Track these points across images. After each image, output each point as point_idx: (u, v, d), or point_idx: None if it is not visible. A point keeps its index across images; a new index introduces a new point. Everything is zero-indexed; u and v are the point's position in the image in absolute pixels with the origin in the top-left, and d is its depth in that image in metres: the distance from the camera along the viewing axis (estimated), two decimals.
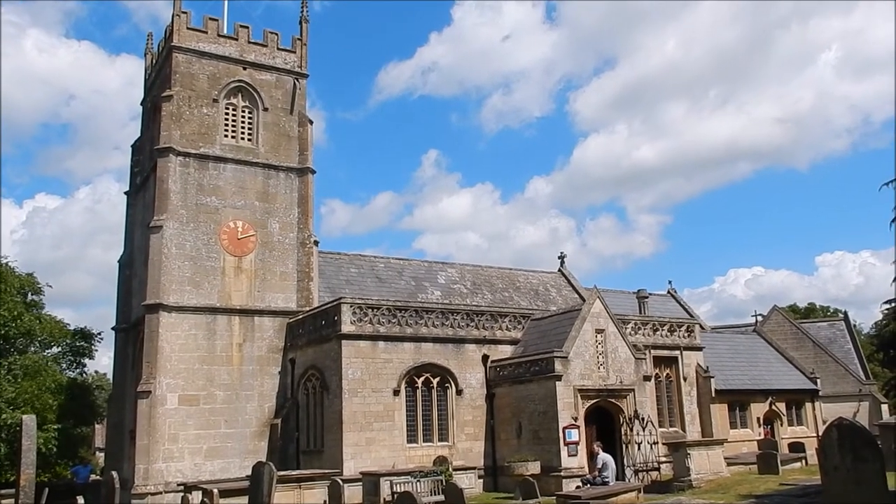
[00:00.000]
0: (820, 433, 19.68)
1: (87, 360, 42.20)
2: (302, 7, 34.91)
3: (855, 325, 55.51)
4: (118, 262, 34.59)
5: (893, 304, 43.40)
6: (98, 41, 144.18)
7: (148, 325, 28.42)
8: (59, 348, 40.79)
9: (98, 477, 35.06)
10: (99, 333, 41.31)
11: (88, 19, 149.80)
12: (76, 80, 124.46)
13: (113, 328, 34.13)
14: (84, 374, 44.32)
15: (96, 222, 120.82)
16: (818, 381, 41.27)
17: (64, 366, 41.24)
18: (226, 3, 34.15)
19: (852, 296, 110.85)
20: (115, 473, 28.75)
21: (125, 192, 35.59)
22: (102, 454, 42.05)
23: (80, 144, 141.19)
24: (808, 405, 40.37)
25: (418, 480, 23.54)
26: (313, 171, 33.00)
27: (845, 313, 54.42)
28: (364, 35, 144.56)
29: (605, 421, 28.48)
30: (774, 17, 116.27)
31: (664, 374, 33.78)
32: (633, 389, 28.78)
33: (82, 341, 40.57)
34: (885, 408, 43.23)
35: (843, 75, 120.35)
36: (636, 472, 27.42)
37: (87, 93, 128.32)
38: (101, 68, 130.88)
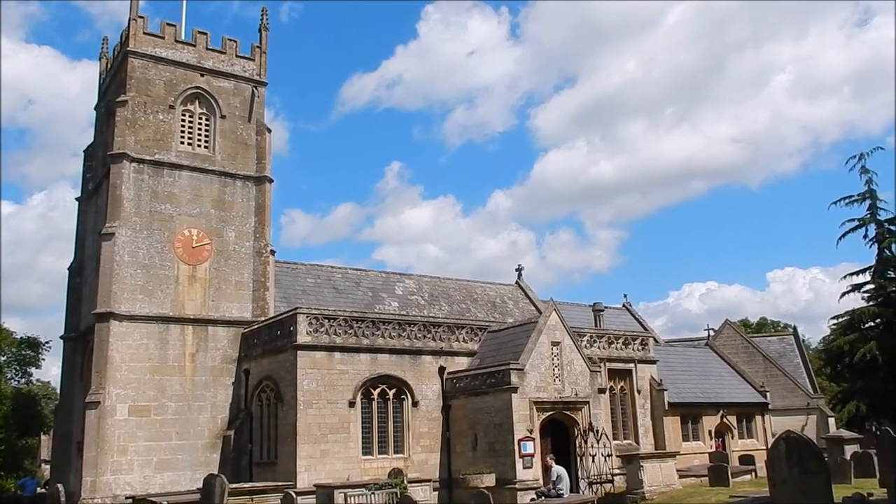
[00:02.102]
0: (769, 446, 19.99)
1: (33, 370, 41.38)
2: (262, 15, 34.66)
3: (804, 340, 56.68)
4: (68, 269, 33.82)
5: (841, 320, 44.52)
6: (59, 46, 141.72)
7: (98, 334, 27.80)
8: (5, 357, 39.88)
9: (43, 490, 34.24)
10: (47, 342, 40.50)
11: (49, 24, 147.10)
12: (35, 85, 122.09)
13: (62, 337, 33.34)
14: (30, 384, 43.39)
15: (50, 229, 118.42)
16: (768, 394, 42.00)
17: (9, 375, 40.32)
18: (184, 8, 33.58)
19: (802, 311, 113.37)
20: (60, 486, 28.19)
21: (76, 199, 34.89)
22: (48, 466, 41.04)
23: (38, 150, 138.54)
24: (758, 418, 41.06)
25: (373, 493, 23.39)
26: (271, 180, 32.71)
27: (794, 328, 55.58)
28: (330, 46, 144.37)
29: (560, 433, 28.60)
30: (730, 41, 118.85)
31: (619, 387, 34.07)
32: (588, 402, 28.95)
33: (29, 350, 39.72)
34: (832, 421, 44.12)
35: (795, 98, 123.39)
36: (590, 484, 27.55)
37: (47, 97, 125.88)
38: (62, 73, 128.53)
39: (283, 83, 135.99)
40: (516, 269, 45.07)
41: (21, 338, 41.16)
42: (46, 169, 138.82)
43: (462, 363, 30.32)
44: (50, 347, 40.59)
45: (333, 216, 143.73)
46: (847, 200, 43.70)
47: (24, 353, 40.53)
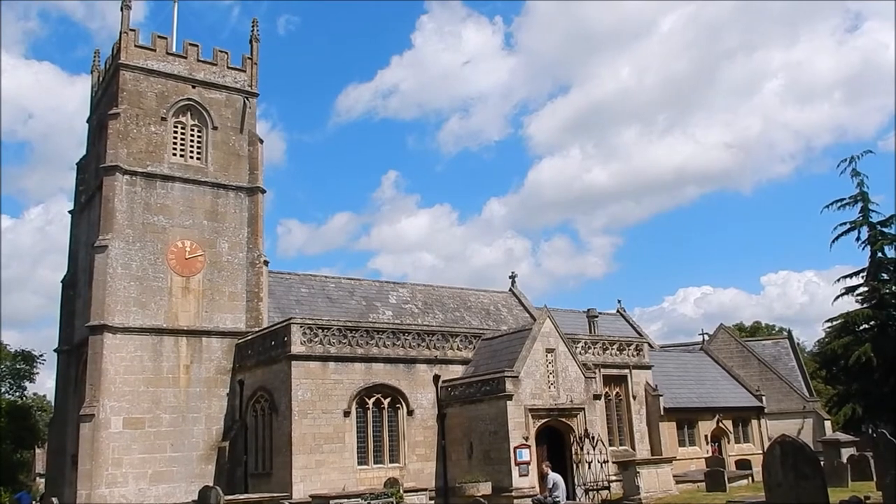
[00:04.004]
0: (765, 450, 20.01)
1: (28, 383, 41.28)
2: (252, 27, 34.75)
3: (798, 343, 56.77)
4: (62, 282, 33.78)
5: (835, 323, 44.60)
6: (58, 62, 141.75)
7: (92, 347, 27.74)
8: None
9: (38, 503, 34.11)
10: (41, 355, 40.40)
11: (48, 40, 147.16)
12: (35, 100, 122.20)
13: (55, 350, 33.23)
14: (24, 397, 43.27)
15: (47, 242, 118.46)
16: (764, 398, 42.00)
17: (3, 389, 40.21)
18: (175, 20, 33.75)
19: (797, 314, 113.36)
20: (55, 500, 28.06)
21: (69, 211, 34.88)
22: (43, 480, 40.87)
23: (36, 164, 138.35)
24: (755, 422, 41.06)
25: (369, 503, 23.31)
26: (263, 191, 32.70)
27: (789, 332, 55.63)
28: (326, 57, 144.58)
29: (556, 440, 28.57)
30: (722, 48, 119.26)
31: (614, 393, 34.02)
32: (584, 408, 28.93)
33: (23, 363, 39.61)
34: (828, 424, 44.12)
35: (787, 103, 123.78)
36: (586, 491, 27.53)
37: (46, 112, 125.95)
38: (61, 88, 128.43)
39: (281, 94, 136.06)
40: (510, 277, 45.11)
41: (15, 351, 41.08)
42: (44, 182, 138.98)
43: (457, 371, 30.29)
44: (44, 360, 40.53)
45: (329, 226, 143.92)
46: (839, 204, 43.91)
47: (18, 366, 40.42)
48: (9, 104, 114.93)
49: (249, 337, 29.80)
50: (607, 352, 34.24)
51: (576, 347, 31.34)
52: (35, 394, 57.07)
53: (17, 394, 41.59)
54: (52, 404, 36.37)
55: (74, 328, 32.03)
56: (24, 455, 44.25)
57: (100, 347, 27.65)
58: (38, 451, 50.01)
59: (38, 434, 41.84)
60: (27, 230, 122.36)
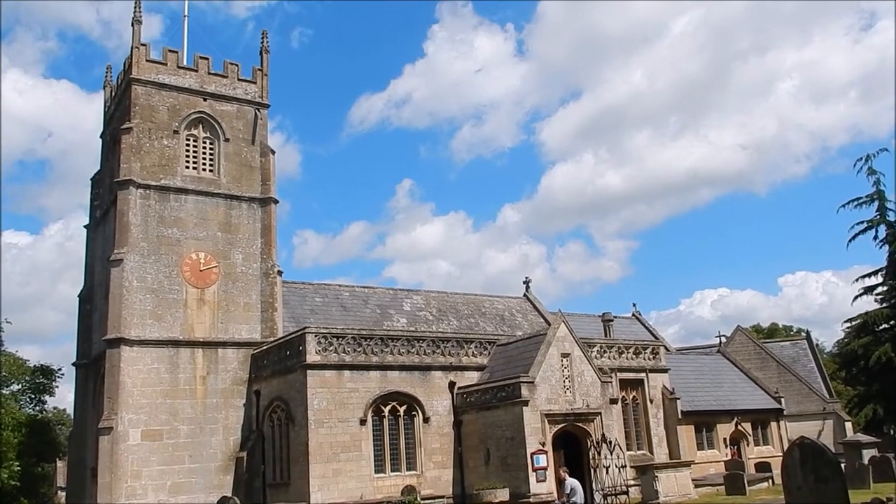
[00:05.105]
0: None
1: (47, 397, 41.54)
2: (262, 38, 34.97)
3: (817, 344, 56.24)
4: (78, 296, 34.05)
5: (854, 323, 44.15)
6: (76, 80, 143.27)
7: (109, 360, 27.91)
8: (19, 385, 40.05)
9: None
10: (59, 369, 40.67)
11: (66, 59, 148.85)
12: (54, 118, 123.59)
13: (73, 364, 33.49)
14: (44, 411, 43.54)
15: (66, 258, 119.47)
16: (782, 400, 41.63)
17: (23, 403, 40.45)
18: (185, 33, 34.05)
19: (816, 315, 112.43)
20: None
21: (84, 226, 35.21)
22: (64, 493, 41.10)
23: (55, 181, 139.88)
24: (774, 425, 40.70)
25: None
26: (276, 201, 32.84)
27: (807, 332, 55.20)
28: (340, 68, 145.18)
29: (573, 445, 28.45)
30: (735, 50, 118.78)
31: (630, 397, 33.86)
32: (600, 413, 28.80)
33: (42, 378, 39.87)
34: (848, 425, 43.69)
35: (801, 103, 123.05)
36: (605, 496, 27.36)
37: (64, 130, 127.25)
38: (79, 106, 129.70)
39: (295, 107, 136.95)
40: (524, 282, 45.06)
41: (35, 366, 41.41)
42: (63, 199, 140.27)
43: (472, 377, 30.24)
44: (62, 374, 40.82)
45: (345, 235, 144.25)
46: (856, 203, 43.51)
47: (38, 380, 40.71)
48: (28, 123, 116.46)
49: (265, 347, 29.89)
50: (623, 356, 34.07)
51: (591, 352, 31.25)
52: (55, 408, 57.46)
53: (38, 408, 41.85)
54: (72, 418, 36.61)
55: (92, 342, 32.27)
56: (45, 468, 44.47)
57: (117, 360, 27.83)
58: (59, 464, 50.25)
59: (58, 447, 42.04)
60: (46, 246, 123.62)
